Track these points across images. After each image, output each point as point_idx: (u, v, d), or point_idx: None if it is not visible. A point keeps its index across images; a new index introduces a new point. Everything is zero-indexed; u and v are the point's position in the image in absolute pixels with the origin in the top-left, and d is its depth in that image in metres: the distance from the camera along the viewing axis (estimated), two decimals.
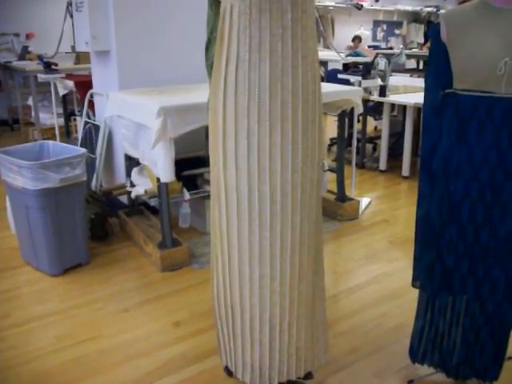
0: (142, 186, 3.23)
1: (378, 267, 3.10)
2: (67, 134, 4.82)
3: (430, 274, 1.96)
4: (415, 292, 2.08)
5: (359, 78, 4.36)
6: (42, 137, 5.18)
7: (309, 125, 1.67)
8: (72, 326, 2.53)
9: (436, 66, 1.87)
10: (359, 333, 2.44)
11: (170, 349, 2.35)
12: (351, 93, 3.48)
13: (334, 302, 2.72)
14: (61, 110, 4.95)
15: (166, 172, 2.85)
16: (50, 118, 5.44)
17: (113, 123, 3.72)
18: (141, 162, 3.17)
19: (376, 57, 4.55)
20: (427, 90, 1.93)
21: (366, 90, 4.53)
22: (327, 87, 3.51)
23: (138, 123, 3.05)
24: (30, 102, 5.55)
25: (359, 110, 3.58)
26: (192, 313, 2.62)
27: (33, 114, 5.43)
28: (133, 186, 3.36)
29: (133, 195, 3.31)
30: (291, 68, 1.60)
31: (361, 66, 4.61)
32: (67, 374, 2.19)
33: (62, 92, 4.51)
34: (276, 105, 1.61)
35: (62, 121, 5.03)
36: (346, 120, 3.83)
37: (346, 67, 5.86)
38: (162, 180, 2.88)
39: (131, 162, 3.41)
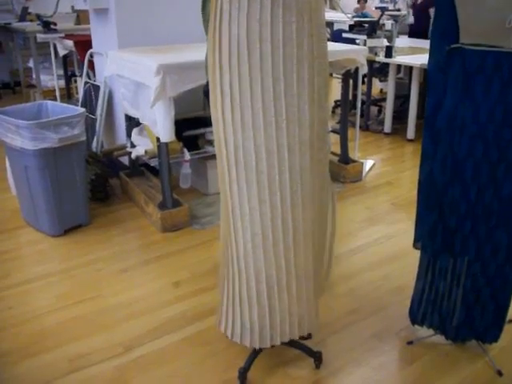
0: (142, 147, 3.17)
1: (379, 229, 3.06)
2: (68, 96, 4.74)
3: (431, 234, 1.92)
4: (417, 254, 2.03)
5: (364, 37, 4.23)
6: (44, 99, 5.08)
7: (294, 82, 1.58)
8: (71, 286, 2.51)
9: (442, 20, 1.77)
10: (359, 295, 2.41)
11: (169, 308, 2.33)
12: (355, 52, 3.36)
13: (334, 263, 2.66)
14: (62, 72, 4.84)
15: (165, 131, 2.78)
16: (51, 79, 5.33)
17: (113, 83, 3.63)
18: (141, 121, 3.10)
19: (381, 16, 4.39)
20: (432, 45, 1.84)
21: (371, 50, 4.40)
22: (331, 46, 3.39)
23: (137, 82, 2.97)
24: (31, 64, 5.44)
25: (364, 69, 3.47)
26: (192, 273, 2.60)
27: (34, 76, 5.33)
28: (133, 146, 3.29)
29: (133, 156, 3.25)
30: (270, 18, 1.50)
31: (366, 25, 4.46)
32: (65, 333, 2.18)
33: (61, 53, 4.40)
34: (255, 59, 1.53)
35: (63, 82, 4.93)
36: (351, 82, 3.73)
37: (353, 28, 5.69)
38: (162, 140, 2.81)
39: (131, 123, 3.34)
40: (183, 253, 2.79)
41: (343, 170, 3.67)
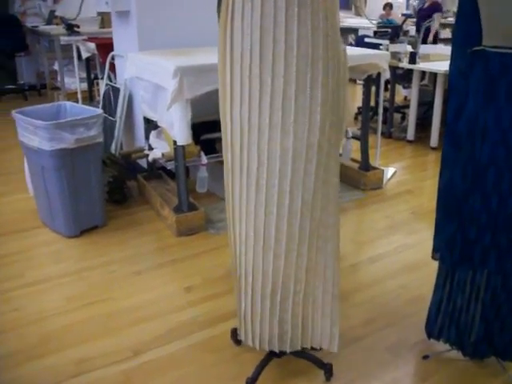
0: (159, 150, 3.15)
1: (398, 238, 2.97)
2: (90, 98, 4.77)
3: (450, 245, 1.84)
4: (435, 265, 1.96)
5: (387, 42, 4.15)
6: (67, 101, 5.12)
7: (307, 83, 1.52)
8: (83, 288, 2.49)
9: (464, 22, 1.70)
10: (376, 304, 2.34)
11: (180, 313, 2.29)
12: (377, 57, 3.29)
13: (352, 271, 2.61)
14: (84, 74, 4.87)
15: (182, 134, 2.76)
16: (75, 82, 5.38)
17: (133, 86, 3.62)
18: (158, 124, 3.08)
19: (405, 21, 4.31)
20: (454, 48, 1.77)
21: (394, 56, 4.32)
22: (352, 51, 3.34)
23: (155, 84, 2.95)
24: (56, 66, 5.50)
25: (386, 75, 3.40)
26: (205, 278, 2.55)
27: (58, 78, 5.38)
28: (151, 149, 3.28)
29: (150, 158, 3.23)
30: (285, 18, 1.45)
31: (389, 31, 4.38)
32: (72, 336, 2.15)
33: (84, 55, 4.43)
34: (267, 61, 1.49)
35: (86, 85, 4.97)
36: (373, 88, 3.66)
37: (377, 34, 5.61)
38: (179, 142, 2.79)
39: (150, 125, 3.33)
40: (197, 257, 2.75)
41: (363, 177, 3.60)
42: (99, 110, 2.96)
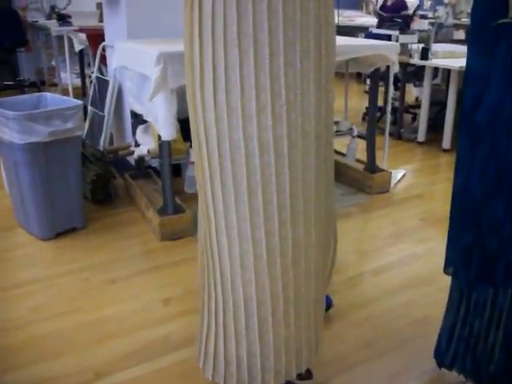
0: (145, 146, 2.86)
1: (406, 247, 2.65)
2: (83, 93, 4.51)
3: (466, 259, 1.52)
4: (448, 280, 1.64)
5: (396, 32, 3.82)
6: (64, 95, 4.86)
7: (297, 55, 1.20)
8: (51, 297, 2.20)
9: None
10: (377, 324, 2.01)
11: (152, 330, 1.99)
12: (386, 47, 2.97)
13: (350, 285, 2.30)
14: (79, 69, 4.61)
15: (167, 128, 2.46)
16: (74, 78, 5.13)
17: (123, 78, 3.34)
18: (144, 118, 2.79)
19: (416, 11, 3.99)
20: (473, 26, 1.45)
21: (405, 51, 3.99)
22: (359, 41, 3.03)
23: (141, 74, 2.66)
24: (54, 62, 5.25)
25: (395, 68, 3.07)
26: (186, 289, 2.25)
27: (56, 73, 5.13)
28: (138, 145, 2.99)
29: (135, 155, 2.94)
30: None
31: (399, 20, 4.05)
32: (31, 352, 1.86)
33: (77, 47, 4.17)
34: (247, 26, 1.18)
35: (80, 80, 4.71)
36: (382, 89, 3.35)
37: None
38: (163, 137, 2.49)
39: (137, 120, 3.04)
40: (180, 265, 2.44)
41: (369, 179, 3.27)
42: (78, 101, 2.67)
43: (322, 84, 1.25)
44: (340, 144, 3.74)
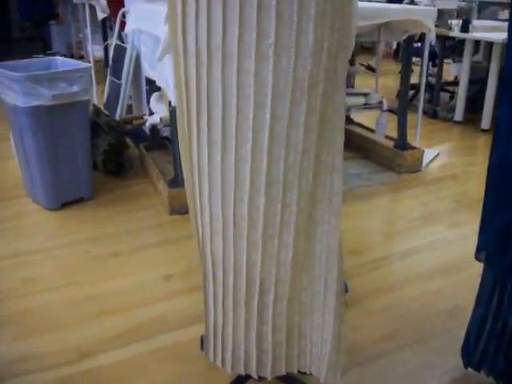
0: (159, 114, 2.66)
1: (436, 231, 2.37)
2: (105, 64, 4.34)
3: (501, 243, 1.26)
4: (480, 268, 1.38)
5: None
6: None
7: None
8: (47, 269, 2.05)
9: None
10: (398, 314, 1.77)
11: (151, 308, 1.80)
12: (422, 12, 2.66)
13: (371, 268, 2.05)
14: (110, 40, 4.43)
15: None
16: (99, 50, 4.97)
17: (139, 44, 3.14)
18: (157, 84, 2.58)
19: None
20: None
21: (443, 20, 3.65)
22: (392, 5, 2.74)
23: (154, 37, 2.45)
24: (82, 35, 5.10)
25: (431, 36, 2.76)
26: (190, 265, 2.05)
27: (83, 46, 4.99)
28: (152, 114, 2.80)
29: (148, 124, 2.75)
30: None
31: None
32: (17, 327, 1.70)
33: (100, 16, 3.99)
34: None
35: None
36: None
37: None
38: (173, 103, 2.28)
39: (152, 87, 2.84)
40: (186, 241, 2.24)
41: (399, 157, 2.99)
42: (86, 64, 2.48)
43: (326, 19, 0.99)
44: (369, 119, 3.46)
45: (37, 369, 1.53)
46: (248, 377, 1.35)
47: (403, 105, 2.96)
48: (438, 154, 3.31)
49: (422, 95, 3.22)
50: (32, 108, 2.28)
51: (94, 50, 5.09)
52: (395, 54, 7.07)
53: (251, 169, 1.06)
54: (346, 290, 1.79)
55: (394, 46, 7.06)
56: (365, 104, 2.94)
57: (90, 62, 4.47)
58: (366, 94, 2.95)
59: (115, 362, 1.56)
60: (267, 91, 1.00)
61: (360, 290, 1.88)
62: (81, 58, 5.66)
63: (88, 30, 4.00)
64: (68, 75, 2.32)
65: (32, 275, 2.00)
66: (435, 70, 4.51)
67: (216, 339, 1.30)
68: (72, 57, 6.11)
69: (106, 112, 3.13)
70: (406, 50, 2.91)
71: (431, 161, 3.20)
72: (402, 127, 2.98)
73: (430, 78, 4.60)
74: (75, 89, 2.34)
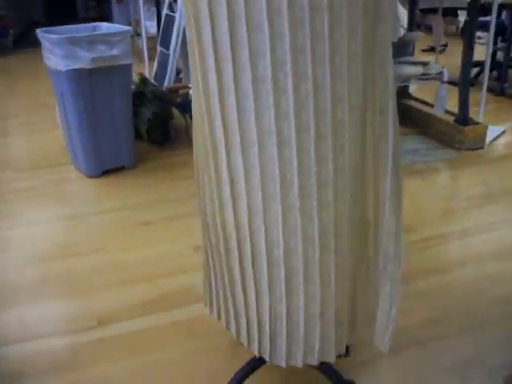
0: None
1: (497, 210, 2.11)
2: (158, 36, 4.27)
3: None
4: None
5: None
6: (147, 45, 4.68)
7: None
8: (77, 235, 1.98)
9: None
10: (448, 298, 1.56)
11: (176, 278, 1.69)
12: None
13: (421, 248, 1.84)
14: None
15: None
16: (154, 26, 4.91)
17: None
18: None
19: None
20: None
21: None
22: None
23: None
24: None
25: None
26: None
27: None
28: None
29: (191, 92, 2.62)
30: None
31: None
32: (40, 290, 1.64)
33: None
34: None
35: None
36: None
37: None
38: None
39: None
40: None
41: (460, 132, 2.70)
42: (126, 28, 2.37)
43: None
44: (426, 92, 3.18)
45: (53, 333, 1.45)
46: (261, 362, 1.20)
47: (465, 75, 2.66)
48: (503, 132, 2.98)
49: (486, 70, 2.89)
50: (72, 71, 2.20)
51: (149, 27, 5.05)
52: (462, 33, 6.59)
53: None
54: None
55: (461, 24, 6.58)
56: (423, 74, 2.67)
57: (150, 40, 4.43)
58: (425, 64, 2.68)
59: (134, 331, 1.45)
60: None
61: (407, 269, 1.66)
62: (138, 35, 5.64)
63: (141, 3, 3.92)
64: (107, 38, 2.23)
65: (62, 240, 1.93)
66: (503, 44, 4.11)
67: (237, 313, 1.15)
68: (131, 36, 6.12)
69: (154, 83, 3.04)
70: (470, 17, 2.60)
71: (495, 138, 2.88)
72: (464, 100, 2.69)
73: (498, 55, 4.20)
74: (115, 52, 2.25)
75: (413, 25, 3.08)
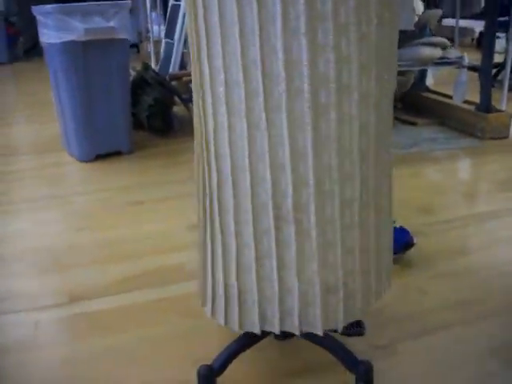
0: None
1: None
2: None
3: None
4: None
5: None
6: (154, 48, 4.56)
7: None
8: (63, 213, 1.78)
9: None
10: (472, 280, 1.32)
11: (166, 256, 1.47)
12: None
13: (445, 229, 1.60)
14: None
15: None
16: (163, 30, 4.80)
17: None
18: None
19: None
20: None
21: None
22: None
23: None
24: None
25: None
26: None
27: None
28: None
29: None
30: None
31: None
32: (13, 266, 1.44)
33: None
34: None
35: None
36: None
37: None
38: None
39: None
40: None
41: (482, 120, 2.48)
42: (127, 2, 2.21)
43: None
44: (443, 86, 2.97)
45: (19, 309, 1.24)
46: (253, 340, 0.97)
47: (488, 59, 2.45)
48: None
49: (509, 61, 2.66)
50: (65, 44, 2.04)
51: (158, 32, 4.95)
52: (478, 44, 6.39)
53: None
54: (412, 244, 1.37)
55: (477, 35, 6.39)
56: (441, 58, 2.46)
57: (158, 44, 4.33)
58: (444, 48, 2.48)
59: (112, 308, 1.24)
60: None
61: (429, 250, 1.45)
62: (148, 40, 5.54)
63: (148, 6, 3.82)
64: (103, 9, 2.07)
65: (44, 218, 1.73)
66: None
67: (215, 282, 0.92)
68: (141, 43, 6.04)
69: (156, 70, 2.88)
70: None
71: None
72: (486, 85, 2.47)
73: None
74: (112, 24, 2.08)
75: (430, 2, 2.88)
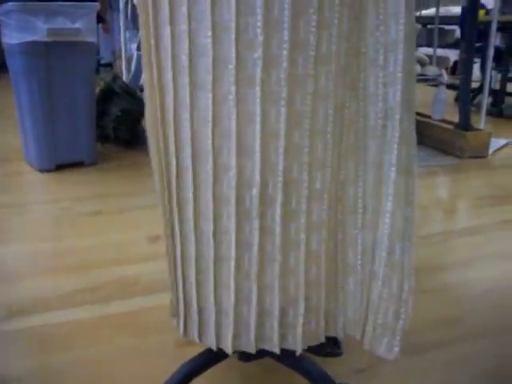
0: None
1: (508, 209, 1.80)
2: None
3: None
4: None
5: None
6: (128, 65, 4.46)
7: None
8: (13, 223, 1.62)
9: None
10: (456, 296, 1.21)
11: (122, 268, 1.32)
12: None
13: (425, 244, 1.49)
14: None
15: None
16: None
17: None
18: None
19: None
20: None
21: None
22: None
23: None
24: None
25: None
26: None
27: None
28: None
29: None
30: None
31: None
32: None
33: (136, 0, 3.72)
34: None
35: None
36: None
37: None
38: None
39: None
40: None
41: (460, 138, 2.42)
42: (95, 4, 2.10)
43: None
44: (423, 101, 2.92)
45: None
46: (217, 359, 0.83)
47: (466, 77, 2.41)
48: (507, 144, 2.71)
49: (487, 81, 2.64)
50: (26, 44, 1.91)
51: (133, 49, 4.86)
52: (453, 71, 6.48)
53: None
54: None
55: (451, 63, 6.48)
56: (420, 75, 2.41)
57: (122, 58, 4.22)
58: (422, 64, 2.43)
59: (57, 323, 1.08)
60: None
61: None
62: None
63: (121, 15, 3.73)
64: (69, 9, 1.95)
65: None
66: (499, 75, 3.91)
67: (187, 297, 0.79)
68: (115, 61, 5.94)
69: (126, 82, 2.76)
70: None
71: (499, 149, 2.61)
72: (465, 104, 2.42)
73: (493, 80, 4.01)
74: (77, 26, 1.97)
75: None
